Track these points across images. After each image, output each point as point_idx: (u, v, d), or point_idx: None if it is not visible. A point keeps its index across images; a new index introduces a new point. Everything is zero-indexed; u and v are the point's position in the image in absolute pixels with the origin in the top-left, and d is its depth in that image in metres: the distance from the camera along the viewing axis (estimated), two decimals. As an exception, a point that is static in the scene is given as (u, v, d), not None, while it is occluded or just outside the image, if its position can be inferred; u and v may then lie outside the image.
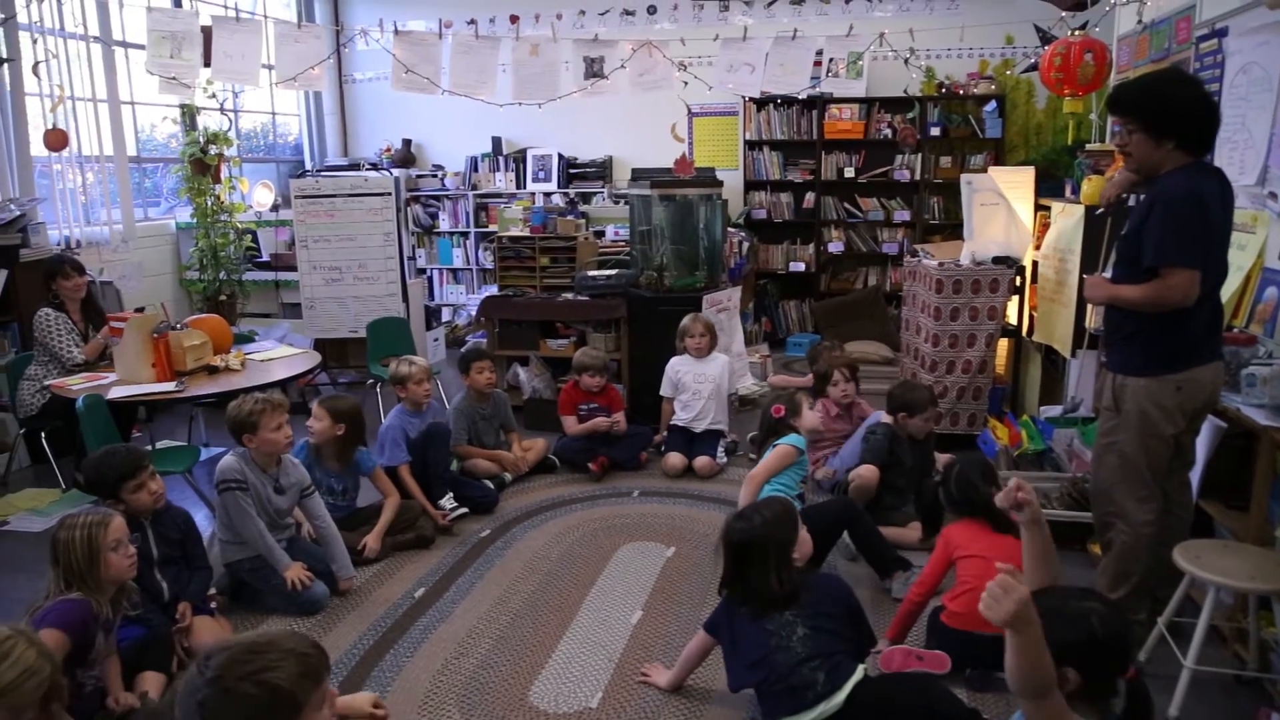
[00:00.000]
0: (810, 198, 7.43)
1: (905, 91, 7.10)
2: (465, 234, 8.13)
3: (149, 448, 4.41)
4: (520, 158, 7.94)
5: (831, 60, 5.53)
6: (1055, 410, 4.07)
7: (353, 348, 6.17)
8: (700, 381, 4.61)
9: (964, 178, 5.11)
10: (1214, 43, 3.67)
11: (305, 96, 8.13)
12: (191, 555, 3.00)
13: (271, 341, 5.21)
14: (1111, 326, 2.75)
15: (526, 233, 6.14)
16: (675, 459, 4.46)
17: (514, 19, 6.95)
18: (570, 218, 6.37)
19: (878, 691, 2.31)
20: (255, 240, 6.79)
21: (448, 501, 3.91)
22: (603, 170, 7.79)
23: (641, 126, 7.40)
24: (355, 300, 6.00)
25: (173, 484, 3.59)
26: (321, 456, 3.66)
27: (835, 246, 7.45)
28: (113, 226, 5.81)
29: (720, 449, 4.56)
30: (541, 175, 7.85)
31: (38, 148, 5.23)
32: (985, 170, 5.96)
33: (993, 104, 6.94)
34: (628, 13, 7.28)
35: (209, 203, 6.33)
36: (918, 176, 7.20)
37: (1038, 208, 5.02)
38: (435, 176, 8.17)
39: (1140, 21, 4.47)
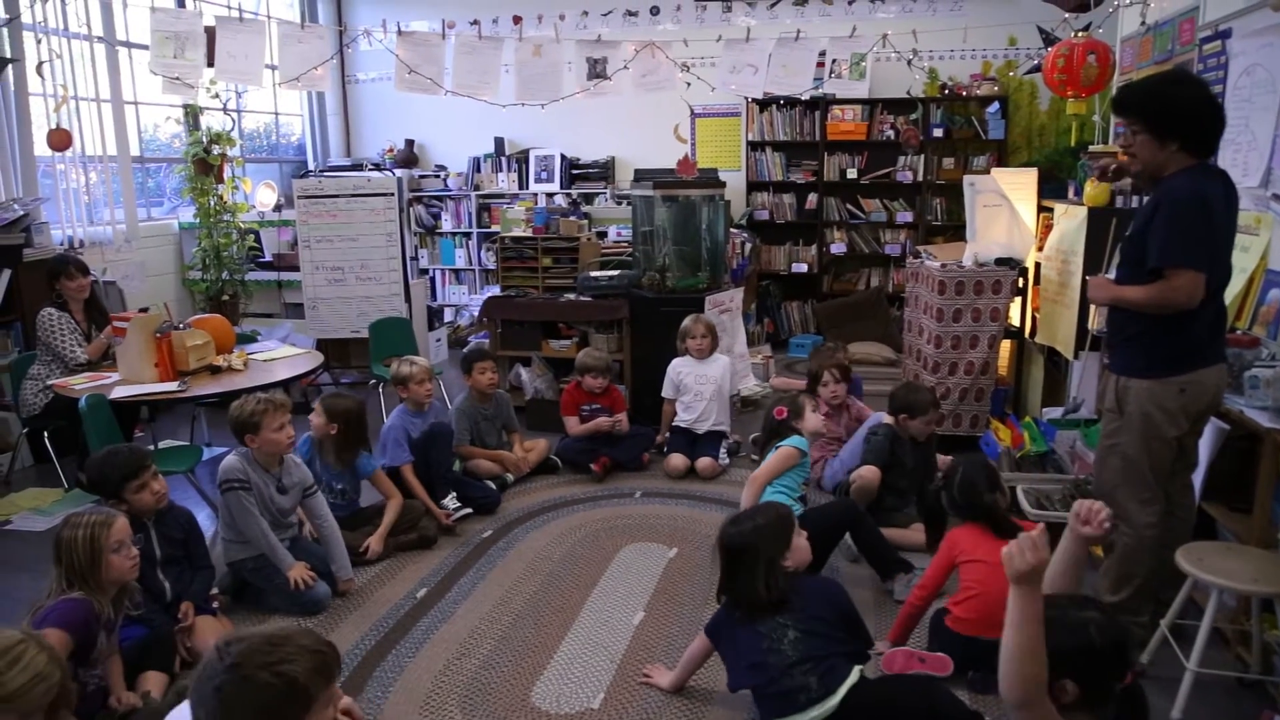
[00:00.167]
0: (813, 199, 7.43)
1: (908, 93, 7.09)
2: (468, 234, 8.13)
3: (151, 447, 4.41)
4: (523, 158, 7.94)
5: (834, 61, 5.52)
6: (1057, 412, 4.06)
7: (355, 348, 6.17)
8: (701, 383, 4.61)
9: (966, 179, 5.10)
10: (1217, 44, 3.67)
11: (308, 97, 8.13)
12: (194, 555, 3.00)
13: (274, 341, 5.22)
14: (1114, 328, 2.75)
15: (529, 233, 6.14)
16: (678, 460, 4.46)
17: (517, 20, 6.96)
18: (573, 218, 6.38)
19: (878, 693, 2.31)
20: (258, 240, 6.80)
21: (451, 501, 3.91)
22: (605, 171, 7.80)
23: (644, 127, 7.40)
24: (358, 300, 6.01)
25: (175, 484, 3.59)
26: (322, 451, 3.66)
27: (838, 248, 7.44)
28: (116, 226, 5.82)
29: (723, 450, 4.56)
30: (544, 176, 7.86)
31: (41, 147, 5.24)
32: (988, 172, 5.95)
33: (995, 105, 6.94)
34: (630, 13, 7.28)
35: (212, 203, 6.34)
36: (920, 178, 7.19)
37: (1040, 209, 5.02)
38: (438, 177, 8.18)
39: (1144, 23, 4.47)
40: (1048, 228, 4.68)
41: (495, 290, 6.17)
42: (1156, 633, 2.66)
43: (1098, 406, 3.61)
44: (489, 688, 2.71)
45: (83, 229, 5.58)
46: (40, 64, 4.99)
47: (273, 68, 5.70)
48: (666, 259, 5.26)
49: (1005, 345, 4.85)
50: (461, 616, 3.14)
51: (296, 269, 6.22)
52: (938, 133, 7.08)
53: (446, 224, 8.17)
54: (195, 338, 4.21)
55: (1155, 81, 2.67)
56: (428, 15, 7.02)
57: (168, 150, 6.89)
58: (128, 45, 6.06)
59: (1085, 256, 3.91)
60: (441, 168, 8.24)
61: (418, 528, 3.72)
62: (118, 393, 3.87)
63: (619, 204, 7.32)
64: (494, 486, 4.21)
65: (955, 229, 6.83)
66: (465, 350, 5.16)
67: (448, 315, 8.21)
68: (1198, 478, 2.86)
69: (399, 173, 6.92)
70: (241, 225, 6.59)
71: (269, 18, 5.69)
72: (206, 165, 6.24)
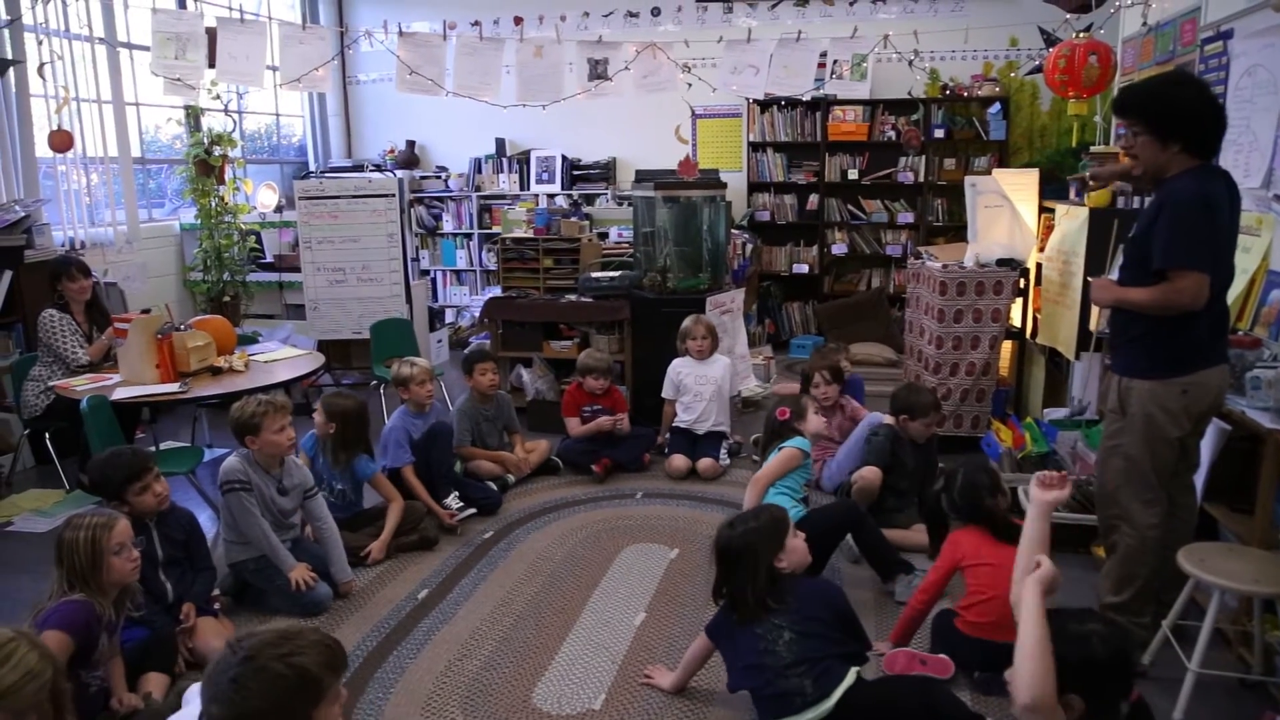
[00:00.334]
0: (814, 200, 7.42)
1: (909, 93, 7.09)
2: (469, 235, 8.13)
3: (153, 449, 4.42)
4: (524, 159, 7.95)
5: (835, 62, 5.52)
6: (1059, 413, 4.06)
7: (356, 349, 6.17)
8: (702, 383, 4.61)
9: (968, 180, 5.10)
10: (1219, 45, 3.67)
11: (309, 98, 8.14)
12: (196, 556, 3.00)
13: (275, 343, 5.22)
14: (1117, 329, 2.74)
15: (530, 234, 6.14)
16: (679, 461, 4.46)
17: (518, 20, 6.96)
18: (574, 219, 6.37)
19: (878, 694, 2.31)
20: (259, 241, 6.80)
21: (453, 501, 3.91)
22: (606, 172, 7.80)
23: (645, 128, 7.40)
24: (359, 301, 6.01)
25: (176, 485, 3.59)
26: (324, 449, 3.67)
27: (839, 248, 7.44)
28: (117, 228, 5.82)
29: (723, 451, 4.56)
30: (545, 177, 7.86)
31: (42, 149, 5.24)
32: (989, 172, 5.95)
33: (997, 106, 6.94)
34: (631, 14, 7.28)
35: (213, 204, 6.35)
36: (921, 178, 7.19)
37: (1042, 210, 5.01)
38: (439, 178, 8.18)
39: (1145, 24, 4.47)
40: (1049, 228, 4.68)
41: (496, 291, 6.16)
42: (1158, 634, 2.66)
43: (1100, 407, 3.61)
44: (490, 689, 2.71)
45: (84, 230, 5.58)
46: (41, 65, 5.00)
47: (274, 69, 5.70)
48: (668, 260, 5.26)
49: (1006, 346, 4.85)
50: (463, 617, 3.14)
51: (297, 270, 6.22)
52: (939, 133, 7.08)
53: (448, 225, 8.17)
54: (196, 339, 4.21)
55: (1156, 83, 2.67)
56: (429, 16, 7.01)
57: (169, 151, 6.89)
58: (129, 46, 6.07)
59: (1087, 258, 3.91)
60: (443, 169, 8.24)
61: (419, 529, 3.72)
62: (119, 394, 3.87)
63: (620, 205, 7.33)
64: (495, 487, 4.21)
65: (956, 230, 6.83)
66: (466, 351, 5.16)
67: (449, 316, 8.21)
68: (1199, 478, 2.86)
69: (400, 174, 6.92)
70: (243, 226, 6.59)
71: (270, 19, 5.69)
72: (208, 166, 6.25)
